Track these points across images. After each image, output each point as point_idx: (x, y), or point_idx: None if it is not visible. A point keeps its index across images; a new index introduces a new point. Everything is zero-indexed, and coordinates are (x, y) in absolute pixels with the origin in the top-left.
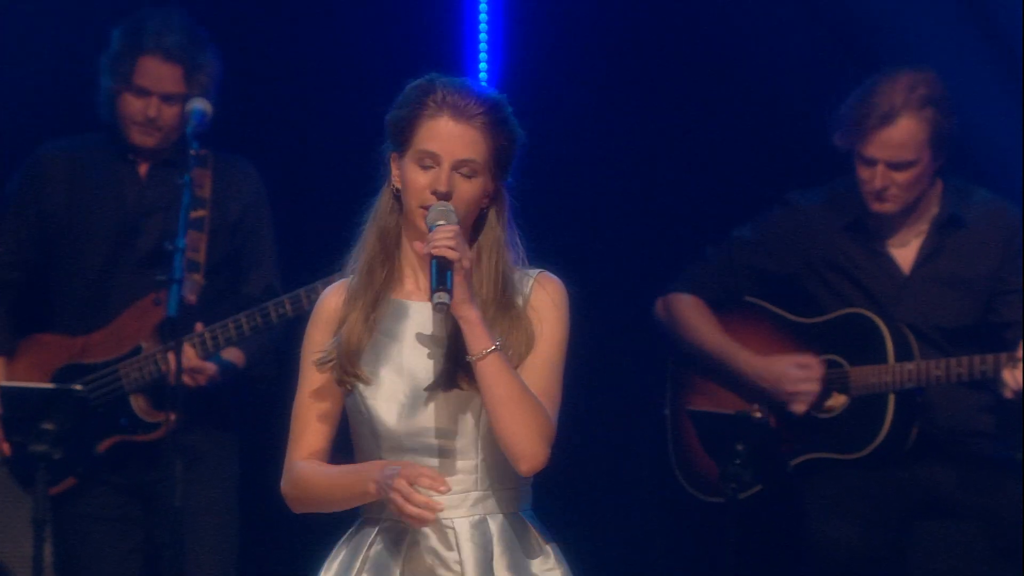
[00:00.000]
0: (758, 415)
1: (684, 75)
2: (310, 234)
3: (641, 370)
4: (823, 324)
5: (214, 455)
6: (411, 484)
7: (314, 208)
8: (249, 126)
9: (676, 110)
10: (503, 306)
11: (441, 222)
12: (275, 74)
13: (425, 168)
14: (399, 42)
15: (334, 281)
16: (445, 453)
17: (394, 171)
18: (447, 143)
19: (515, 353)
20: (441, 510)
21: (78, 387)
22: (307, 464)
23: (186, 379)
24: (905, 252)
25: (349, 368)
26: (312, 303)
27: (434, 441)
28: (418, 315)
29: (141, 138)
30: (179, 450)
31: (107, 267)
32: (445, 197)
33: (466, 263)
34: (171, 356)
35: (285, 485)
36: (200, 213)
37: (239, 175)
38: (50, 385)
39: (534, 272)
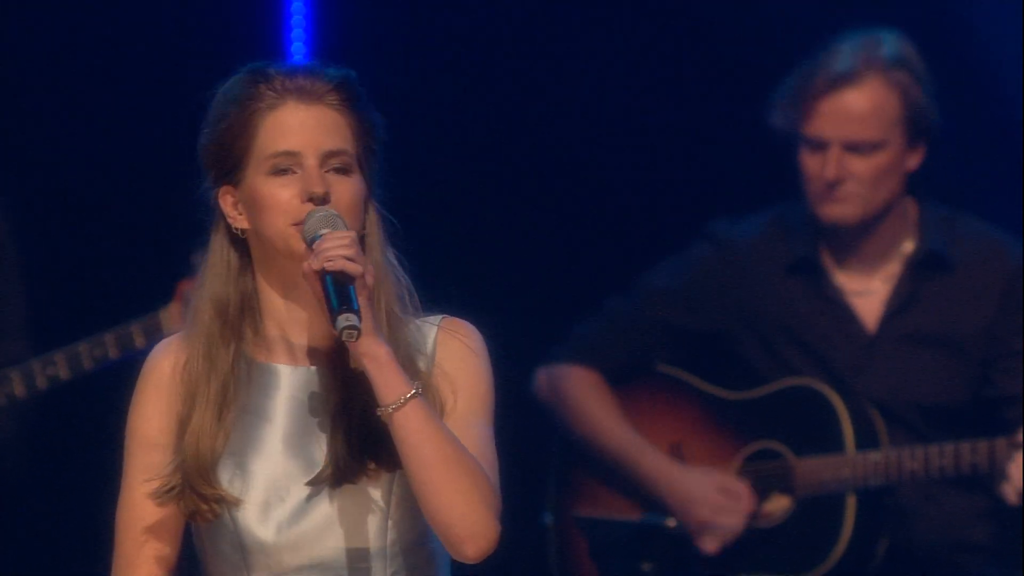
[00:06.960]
0: (672, 524)
1: (572, 56)
2: (73, 282)
3: (515, 462)
4: (759, 400)
5: None
6: None
7: (76, 247)
8: None
9: (559, 99)
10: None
11: (325, 230)
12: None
13: (282, 175)
14: (185, 27)
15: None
16: (345, 569)
17: (228, 210)
18: (305, 133)
19: None
20: None
21: None
22: None
23: None
24: (870, 302)
25: (206, 490)
26: (98, 361)
27: (330, 553)
28: (293, 384)
29: None
30: None
31: None
32: (324, 201)
33: (370, 279)
34: None
35: None
36: None
37: None
38: None
39: (435, 319)
